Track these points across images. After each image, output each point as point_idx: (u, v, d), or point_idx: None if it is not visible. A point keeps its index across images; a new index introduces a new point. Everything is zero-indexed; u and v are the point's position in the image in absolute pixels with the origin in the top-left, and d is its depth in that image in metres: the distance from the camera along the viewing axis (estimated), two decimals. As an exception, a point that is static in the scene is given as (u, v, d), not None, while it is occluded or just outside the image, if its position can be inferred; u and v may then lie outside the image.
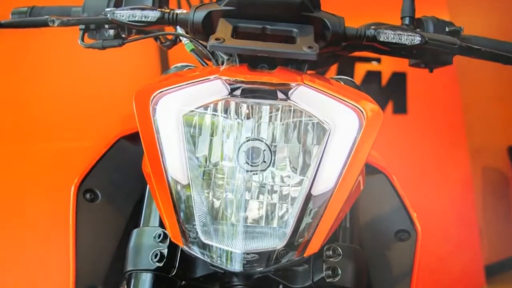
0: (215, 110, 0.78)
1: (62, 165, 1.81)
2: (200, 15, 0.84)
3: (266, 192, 0.80)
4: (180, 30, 0.99)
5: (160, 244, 0.85)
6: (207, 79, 0.78)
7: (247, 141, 0.78)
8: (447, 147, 3.11)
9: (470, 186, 3.18)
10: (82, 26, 0.96)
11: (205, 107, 0.78)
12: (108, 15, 0.88)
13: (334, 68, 2.45)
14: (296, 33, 0.81)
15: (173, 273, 0.85)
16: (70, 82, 1.93)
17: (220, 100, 0.77)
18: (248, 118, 0.79)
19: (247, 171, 0.78)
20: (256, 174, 0.79)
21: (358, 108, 0.78)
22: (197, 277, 0.88)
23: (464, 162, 3.16)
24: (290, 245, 0.76)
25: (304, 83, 0.78)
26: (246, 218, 0.78)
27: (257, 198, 0.80)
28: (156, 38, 1.10)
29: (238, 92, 0.77)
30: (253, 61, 0.82)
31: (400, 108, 3.01)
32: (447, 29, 0.99)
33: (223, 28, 0.79)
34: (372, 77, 2.91)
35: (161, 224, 0.87)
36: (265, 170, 0.79)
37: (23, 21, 0.96)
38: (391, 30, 0.88)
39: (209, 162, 0.80)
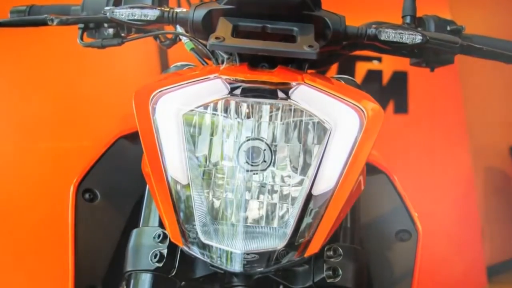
0: (215, 109, 0.78)
1: (61, 164, 1.80)
2: (200, 14, 0.84)
3: (267, 192, 0.79)
4: (180, 29, 0.98)
5: (160, 244, 0.84)
6: (207, 78, 0.78)
7: (247, 140, 0.78)
8: (449, 147, 3.11)
9: (471, 186, 3.18)
10: (81, 25, 0.95)
11: (205, 106, 0.78)
12: (108, 13, 0.88)
13: (334, 67, 2.44)
14: (296, 32, 0.80)
15: (173, 274, 0.84)
16: (69, 81, 1.93)
17: (220, 99, 0.77)
18: (248, 117, 0.79)
19: (247, 170, 0.78)
20: (256, 173, 0.79)
21: (359, 107, 0.77)
22: (197, 278, 0.87)
23: (465, 162, 3.16)
24: (291, 245, 0.75)
25: (305, 82, 0.77)
26: (246, 218, 0.78)
27: (257, 198, 0.79)
28: (156, 37, 1.09)
29: (238, 91, 0.76)
30: (253, 60, 0.82)
31: (401, 107, 3.00)
32: (448, 28, 0.98)
33: (223, 27, 0.79)
34: (373, 76, 2.91)
35: (161, 224, 0.87)
36: (265, 169, 0.78)
37: (22, 20, 0.96)
38: (392, 29, 0.88)
39: (209, 161, 0.79)
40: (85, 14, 0.96)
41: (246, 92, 0.76)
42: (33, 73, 1.88)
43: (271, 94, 0.77)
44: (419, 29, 0.95)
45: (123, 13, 0.87)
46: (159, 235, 0.85)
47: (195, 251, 0.76)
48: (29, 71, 1.88)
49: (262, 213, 0.79)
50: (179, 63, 0.98)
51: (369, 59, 2.86)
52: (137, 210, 0.96)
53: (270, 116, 0.79)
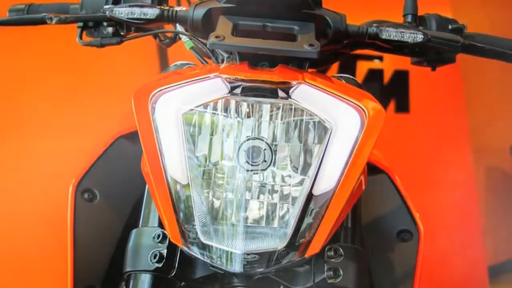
0: (215, 108, 0.78)
1: (60, 164, 1.80)
2: (199, 12, 0.83)
3: (267, 192, 0.79)
4: (179, 28, 0.98)
5: (159, 244, 0.84)
6: (207, 77, 0.78)
7: (248, 140, 0.78)
8: (450, 146, 3.10)
9: (473, 186, 3.17)
10: (80, 24, 0.95)
11: (205, 105, 0.77)
12: (107, 12, 0.87)
13: (335, 66, 2.43)
14: (297, 31, 0.80)
15: (173, 274, 0.84)
16: (68, 80, 1.93)
17: (220, 98, 0.77)
18: (248, 116, 0.78)
19: (248, 170, 0.77)
20: (257, 173, 0.78)
21: (360, 106, 0.77)
22: (197, 278, 0.87)
23: (467, 161, 3.15)
24: (291, 246, 0.75)
25: (305, 82, 0.77)
26: (246, 218, 0.78)
27: (258, 198, 0.79)
28: (155, 36, 1.09)
29: (238, 90, 0.76)
30: (253, 59, 0.82)
31: (403, 106, 2.99)
32: (450, 27, 0.98)
33: (223, 26, 0.79)
34: (374, 75, 2.90)
35: (160, 224, 0.86)
36: (265, 169, 0.78)
37: (20, 18, 0.95)
38: (393, 28, 0.87)
39: (209, 161, 0.79)
40: (84, 12, 0.96)
41: (246, 91, 0.76)
42: (32, 73, 1.88)
43: (272, 93, 0.76)
44: (420, 28, 0.95)
45: (122, 11, 0.86)
46: (158, 235, 0.85)
47: (195, 252, 0.76)
48: (28, 71, 1.87)
49: (262, 213, 0.78)
50: (178, 62, 0.98)
51: (370, 58, 2.85)
52: (136, 210, 0.96)
53: (271, 116, 0.78)
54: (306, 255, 0.76)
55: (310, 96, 0.77)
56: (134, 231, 0.89)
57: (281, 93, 0.76)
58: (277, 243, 0.75)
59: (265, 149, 0.77)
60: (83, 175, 0.99)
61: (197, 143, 0.78)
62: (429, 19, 0.99)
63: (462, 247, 3.04)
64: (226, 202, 0.78)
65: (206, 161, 0.79)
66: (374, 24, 0.89)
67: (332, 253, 0.85)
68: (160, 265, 0.83)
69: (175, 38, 1.11)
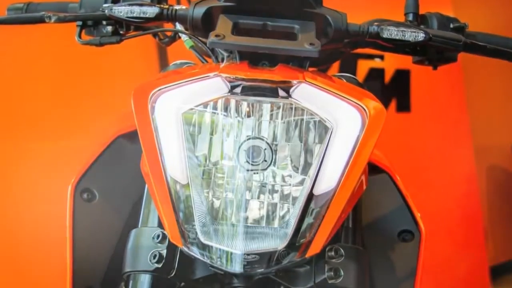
0: (215, 108, 0.77)
1: (59, 164, 1.80)
2: (199, 11, 0.83)
3: (267, 192, 0.79)
4: (179, 27, 0.98)
5: (159, 244, 0.84)
6: (207, 76, 0.77)
7: (248, 139, 0.77)
8: (452, 146, 3.09)
9: (475, 186, 3.16)
10: (79, 23, 0.94)
11: (205, 105, 0.77)
12: (106, 11, 0.87)
13: (336, 65, 2.43)
14: (297, 30, 0.80)
15: (172, 274, 0.83)
16: (67, 79, 1.92)
17: (220, 97, 0.76)
18: (248, 116, 0.78)
19: (248, 170, 0.77)
20: (257, 173, 0.78)
21: (361, 106, 0.77)
22: (197, 279, 0.87)
23: (469, 161, 3.14)
24: (292, 246, 0.75)
25: (306, 81, 0.77)
26: (246, 218, 0.77)
27: (258, 197, 0.79)
28: (155, 35, 1.09)
29: (238, 89, 0.76)
30: (253, 58, 0.81)
31: (404, 106, 2.99)
32: (451, 26, 0.97)
33: (223, 25, 0.78)
34: (375, 74, 2.89)
35: (160, 225, 0.86)
36: (266, 169, 0.78)
37: (19, 17, 0.95)
38: (395, 27, 0.87)
39: (209, 161, 0.79)
40: (83, 11, 0.95)
41: (246, 91, 0.76)
42: (31, 72, 1.87)
43: (272, 93, 0.76)
44: (421, 26, 0.94)
45: (121, 10, 0.86)
46: (158, 236, 0.84)
47: (195, 252, 0.76)
48: (27, 70, 1.87)
49: (262, 213, 0.78)
50: (178, 61, 0.98)
51: (371, 57, 2.84)
52: (136, 210, 0.96)
53: (271, 115, 0.78)
54: (307, 256, 0.76)
55: (310, 95, 0.76)
56: (133, 231, 0.88)
57: (281, 92, 0.76)
58: (278, 243, 0.75)
59: (265, 149, 0.77)
60: (82, 174, 0.98)
61: (197, 142, 0.78)
62: (430, 18, 0.99)
63: (463, 247, 3.03)
64: (226, 202, 0.78)
65: (206, 161, 0.78)
66: (375, 23, 0.88)
67: (332, 253, 0.85)
68: (159, 265, 0.82)
69: (174, 37, 1.11)
